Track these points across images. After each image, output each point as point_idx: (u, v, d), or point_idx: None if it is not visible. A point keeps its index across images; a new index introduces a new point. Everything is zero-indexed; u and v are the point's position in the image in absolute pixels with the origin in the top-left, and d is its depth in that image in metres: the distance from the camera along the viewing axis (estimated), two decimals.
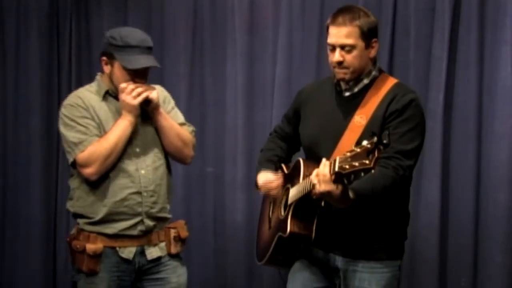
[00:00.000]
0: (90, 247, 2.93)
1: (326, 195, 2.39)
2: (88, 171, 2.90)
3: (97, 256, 2.93)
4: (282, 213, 2.67)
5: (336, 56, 2.60)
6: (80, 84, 4.45)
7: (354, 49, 2.58)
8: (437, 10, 3.73)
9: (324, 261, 2.72)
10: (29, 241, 4.53)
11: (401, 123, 2.55)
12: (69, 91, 4.47)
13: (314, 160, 2.64)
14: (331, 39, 2.61)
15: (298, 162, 2.68)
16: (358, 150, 2.23)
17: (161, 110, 3.00)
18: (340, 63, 2.60)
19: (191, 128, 3.14)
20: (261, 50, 4.16)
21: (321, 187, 2.37)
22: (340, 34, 2.58)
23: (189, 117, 4.23)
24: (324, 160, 2.40)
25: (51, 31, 4.53)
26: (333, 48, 2.60)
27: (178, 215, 4.24)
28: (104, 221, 2.95)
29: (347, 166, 2.24)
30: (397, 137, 2.53)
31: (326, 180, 2.35)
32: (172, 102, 3.14)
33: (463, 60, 3.70)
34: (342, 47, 2.58)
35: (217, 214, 4.29)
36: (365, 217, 2.60)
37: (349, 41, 2.57)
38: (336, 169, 2.27)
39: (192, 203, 4.34)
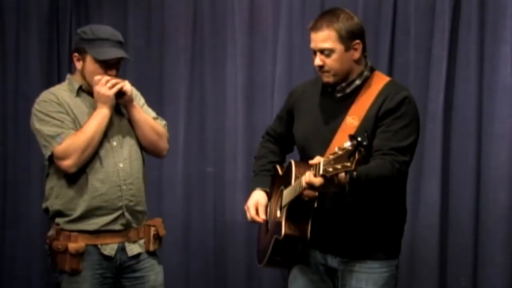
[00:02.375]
0: (72, 246, 2.93)
1: (319, 191, 2.42)
2: (66, 163, 2.90)
3: (79, 255, 2.93)
4: (278, 215, 2.68)
5: (316, 60, 2.62)
6: None
7: (333, 52, 2.58)
8: (437, 10, 3.73)
9: (322, 262, 2.71)
10: (29, 241, 4.53)
11: (394, 120, 2.55)
12: None
13: (306, 161, 2.64)
14: (311, 44, 2.63)
15: (290, 164, 2.69)
16: (340, 152, 2.26)
17: (135, 103, 3.04)
18: (321, 67, 2.61)
19: (163, 122, 3.18)
20: (261, 50, 4.16)
21: (316, 186, 2.38)
22: (317, 38, 2.59)
23: (189, 117, 4.28)
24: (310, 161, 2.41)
25: (51, 31, 4.53)
26: (315, 53, 2.62)
27: (178, 215, 4.28)
28: (84, 217, 2.94)
29: (330, 169, 2.27)
30: (391, 135, 2.54)
31: (315, 187, 2.37)
32: (142, 100, 3.18)
33: (463, 60, 3.70)
34: (321, 51, 2.59)
35: (217, 214, 4.29)
36: (361, 217, 2.60)
37: (327, 45, 2.57)
38: (321, 172, 2.30)
39: (192, 203, 4.34)
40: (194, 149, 4.28)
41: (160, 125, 3.13)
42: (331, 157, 2.27)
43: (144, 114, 3.07)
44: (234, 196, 4.20)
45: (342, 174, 2.33)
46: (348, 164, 2.23)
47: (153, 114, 3.17)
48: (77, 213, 2.95)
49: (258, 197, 2.80)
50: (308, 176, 2.38)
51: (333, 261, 2.68)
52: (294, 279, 2.80)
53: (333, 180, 2.33)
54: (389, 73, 3.79)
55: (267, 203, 2.80)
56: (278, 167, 2.85)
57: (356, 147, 2.22)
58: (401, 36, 3.82)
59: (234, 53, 4.19)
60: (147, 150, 3.11)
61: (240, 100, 4.18)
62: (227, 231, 4.25)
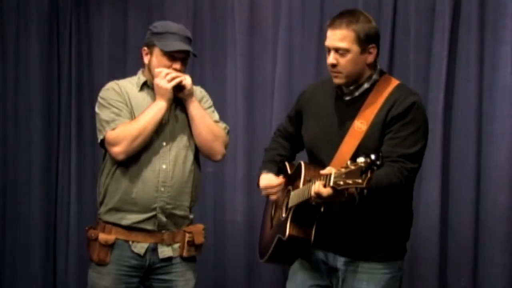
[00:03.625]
0: (102, 236, 2.97)
1: (327, 202, 2.44)
2: (116, 149, 2.92)
3: (107, 246, 2.96)
4: (283, 214, 2.68)
5: (330, 58, 2.60)
6: (80, 83, 4.49)
7: (348, 53, 2.57)
8: (437, 10, 3.72)
9: (323, 260, 2.72)
10: (29, 241, 4.53)
11: (402, 126, 2.54)
12: (69, 91, 4.50)
13: (315, 164, 2.67)
14: (327, 42, 2.61)
15: (300, 165, 2.68)
16: (353, 167, 2.27)
17: (195, 99, 3.03)
18: (333, 66, 2.60)
19: (224, 125, 3.15)
20: (261, 50, 4.16)
21: (325, 198, 2.40)
22: (335, 37, 2.58)
23: None
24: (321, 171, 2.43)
25: (51, 31, 4.54)
26: (329, 51, 2.61)
27: None
28: (115, 209, 2.97)
29: (341, 183, 2.29)
30: (399, 141, 2.53)
31: (322, 197, 2.39)
32: (209, 102, 3.17)
33: (463, 60, 3.70)
34: (336, 50, 2.58)
35: (217, 214, 4.29)
36: (366, 217, 2.60)
37: (343, 44, 2.56)
38: (331, 184, 2.31)
39: None
40: None
41: (219, 127, 3.10)
42: (343, 170, 2.28)
43: (203, 111, 3.05)
44: (234, 196, 4.20)
45: (352, 188, 2.35)
46: (360, 181, 2.25)
47: (216, 117, 3.14)
48: (111, 203, 2.98)
49: (268, 176, 2.80)
50: (318, 186, 2.39)
51: (335, 260, 2.68)
52: (293, 274, 2.81)
53: (343, 193, 2.36)
54: (389, 73, 3.75)
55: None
56: (287, 164, 2.84)
57: (370, 165, 2.23)
58: (401, 36, 3.82)
59: (234, 53, 4.19)
60: (201, 150, 3.08)
61: (240, 100, 4.18)
62: (227, 231, 4.25)
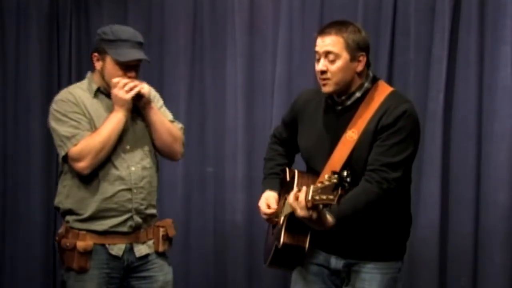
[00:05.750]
0: (80, 244, 2.95)
1: (303, 220, 2.45)
2: (81, 165, 2.90)
3: (87, 253, 2.95)
4: (281, 221, 2.69)
5: (320, 65, 2.61)
6: None
7: (338, 59, 2.58)
8: (437, 10, 3.73)
9: (325, 265, 2.73)
10: (29, 241, 4.53)
11: (391, 135, 2.55)
12: None
13: (310, 172, 2.70)
14: (316, 47, 2.63)
15: (294, 174, 2.71)
16: (327, 183, 2.30)
17: (153, 105, 3.04)
18: (323, 73, 2.60)
19: (180, 125, 3.18)
20: (261, 50, 4.16)
21: (298, 213, 2.43)
22: (325, 42, 2.59)
23: (189, 117, 4.28)
24: (304, 187, 2.43)
25: (51, 31, 4.54)
26: (319, 58, 2.62)
27: (178, 215, 4.28)
28: (93, 217, 2.95)
29: (317, 198, 2.32)
30: (385, 149, 2.54)
31: (302, 207, 2.41)
32: (161, 101, 3.18)
33: (463, 60, 3.70)
34: (326, 55, 2.59)
35: (217, 214, 4.29)
36: (367, 220, 2.60)
37: (333, 49, 2.57)
38: (309, 198, 2.35)
39: (192, 203, 4.34)
40: (194, 149, 4.28)
41: (176, 127, 3.13)
42: (319, 185, 2.32)
43: (160, 115, 3.07)
44: (234, 195, 4.20)
45: (329, 219, 2.43)
46: (331, 197, 2.28)
47: (170, 116, 3.16)
48: (87, 213, 2.96)
49: (267, 195, 2.81)
50: (300, 195, 2.42)
51: (336, 263, 2.70)
52: (295, 282, 2.82)
53: (319, 211, 2.39)
54: (389, 73, 3.79)
55: (278, 199, 2.80)
56: (287, 170, 2.85)
57: (341, 182, 2.26)
58: (401, 36, 3.82)
59: (234, 53, 4.19)
60: (161, 152, 3.11)
61: (240, 100, 4.18)
62: (227, 231, 4.25)
